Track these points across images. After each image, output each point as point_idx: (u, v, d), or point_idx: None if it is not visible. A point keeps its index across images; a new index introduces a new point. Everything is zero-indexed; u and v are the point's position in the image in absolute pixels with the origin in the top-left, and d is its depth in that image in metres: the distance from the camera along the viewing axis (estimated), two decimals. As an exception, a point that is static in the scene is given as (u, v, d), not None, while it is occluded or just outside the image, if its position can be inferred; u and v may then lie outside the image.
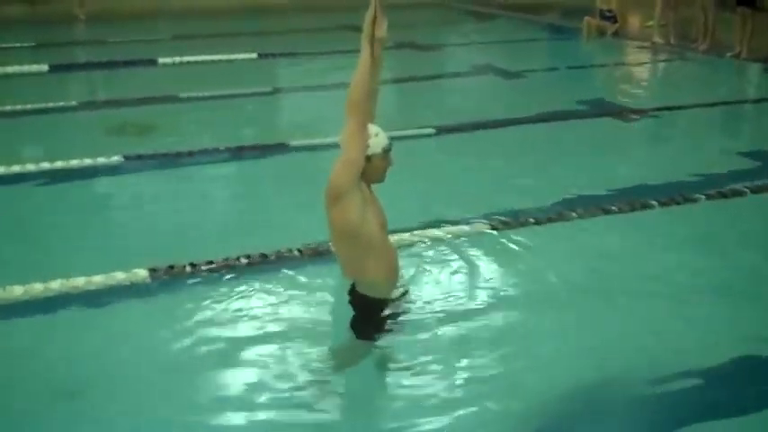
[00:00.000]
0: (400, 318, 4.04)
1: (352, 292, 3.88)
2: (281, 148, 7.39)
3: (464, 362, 3.93)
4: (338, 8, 16.36)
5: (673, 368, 3.91)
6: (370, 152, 3.63)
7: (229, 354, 4.00)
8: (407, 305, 4.15)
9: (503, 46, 13.97)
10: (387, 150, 3.70)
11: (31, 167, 6.67)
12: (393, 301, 3.92)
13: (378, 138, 3.67)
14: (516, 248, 5.24)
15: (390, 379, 3.84)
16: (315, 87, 9.95)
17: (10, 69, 10.61)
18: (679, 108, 9.23)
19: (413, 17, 16.85)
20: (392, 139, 3.76)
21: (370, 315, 3.87)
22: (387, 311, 3.92)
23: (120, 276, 4.66)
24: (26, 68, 10.76)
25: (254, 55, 11.99)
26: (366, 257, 3.72)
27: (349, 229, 3.62)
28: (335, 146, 6.63)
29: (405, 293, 4.15)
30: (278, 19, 16.51)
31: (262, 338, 4.13)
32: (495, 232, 5.43)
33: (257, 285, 4.67)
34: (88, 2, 15.59)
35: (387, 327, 3.94)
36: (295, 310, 4.41)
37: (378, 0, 3.68)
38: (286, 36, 14.26)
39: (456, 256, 5.08)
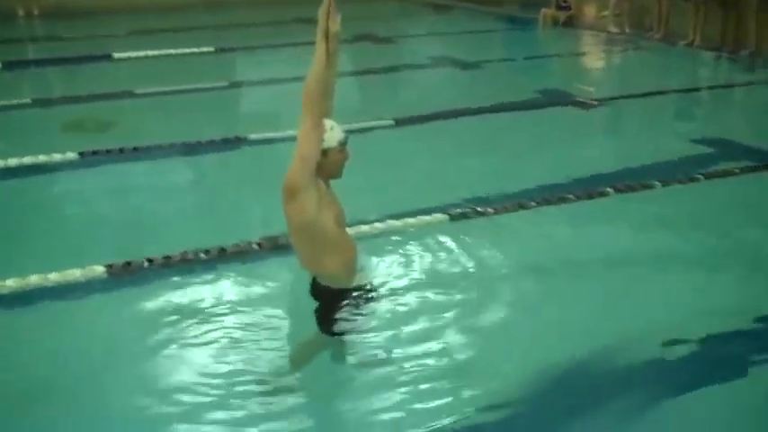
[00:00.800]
0: (363, 309, 4.05)
1: (314, 283, 3.89)
2: (240, 141, 7.36)
3: (428, 352, 3.95)
4: (294, 1, 16.31)
5: (646, 341, 4.01)
6: (325, 146, 3.61)
7: (190, 349, 3.99)
8: (371, 296, 4.16)
9: (461, 37, 14.01)
10: (343, 144, 3.69)
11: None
12: (354, 290, 3.92)
13: (333, 131, 3.65)
14: (476, 238, 5.27)
15: (354, 371, 3.86)
16: (272, 80, 9.90)
17: (-38, 67, 10.44)
18: (634, 96, 9.34)
19: (371, 9, 16.85)
20: (348, 132, 3.75)
21: (332, 306, 3.87)
22: (349, 302, 3.92)
23: (76, 273, 4.62)
24: (-22, 66, 10.59)
25: (212, 49, 11.90)
26: (323, 252, 3.72)
27: (305, 224, 3.62)
28: (293, 139, 6.64)
29: (367, 285, 4.15)
30: (234, 12, 16.39)
31: (222, 333, 4.12)
32: (454, 222, 5.46)
33: (217, 279, 4.65)
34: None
35: (350, 318, 3.94)
36: (255, 304, 4.41)
37: None
38: (243, 29, 14.18)
39: (416, 247, 5.11)
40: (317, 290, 3.86)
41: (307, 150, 3.52)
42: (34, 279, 4.55)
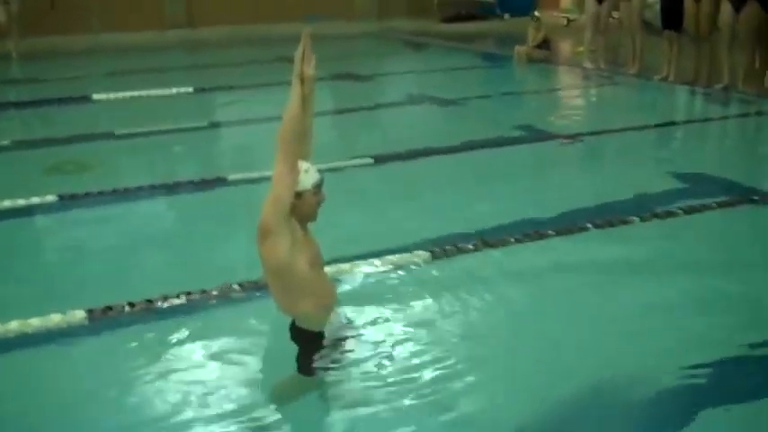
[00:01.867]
0: (343, 350, 4.05)
1: (292, 325, 3.89)
2: (220, 182, 7.36)
3: (410, 393, 3.94)
4: (273, 40, 16.45)
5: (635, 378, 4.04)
6: (300, 188, 3.61)
7: (171, 393, 3.97)
8: (350, 336, 4.15)
9: (438, 74, 14.13)
10: (317, 186, 3.70)
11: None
12: (332, 332, 3.92)
13: (308, 174, 3.65)
14: (456, 275, 5.29)
15: (334, 413, 3.84)
16: (253, 120, 9.93)
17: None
18: (611, 131, 9.44)
19: (350, 47, 17.01)
20: (323, 173, 3.76)
21: (310, 348, 3.87)
22: (328, 344, 3.92)
23: (56, 319, 4.59)
24: (-44, 108, 10.57)
25: (191, 89, 11.95)
26: (297, 294, 3.72)
27: (277, 266, 3.62)
28: (263, 179, 6.65)
29: (345, 326, 4.15)
30: (213, 52, 16.49)
31: (204, 376, 4.11)
32: (436, 260, 5.48)
33: (198, 323, 4.63)
34: (19, 40, 15.35)
35: (330, 359, 3.94)
36: (238, 346, 4.38)
37: (306, 38, 3.70)
38: (222, 69, 14.24)
39: (396, 286, 5.12)
40: (295, 331, 3.86)
41: (280, 192, 3.53)
42: (14, 325, 4.51)
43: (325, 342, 3.90)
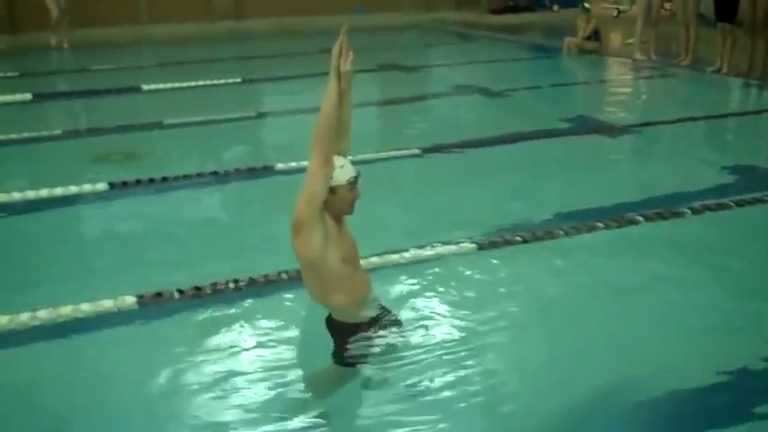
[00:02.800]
0: (382, 342, 4.01)
1: (328, 317, 3.88)
2: (267, 171, 7.39)
3: (449, 385, 3.91)
4: (318, 32, 16.45)
5: (664, 381, 3.94)
6: (334, 183, 3.57)
7: (217, 381, 3.99)
8: (389, 329, 4.10)
9: (486, 66, 14.05)
10: (352, 182, 3.66)
11: (16, 196, 6.64)
12: (369, 324, 3.88)
13: (343, 169, 3.62)
14: (504, 267, 5.25)
15: (369, 405, 3.82)
16: (298, 111, 9.92)
17: (-6, 99, 10.60)
18: (662, 123, 9.30)
19: (397, 39, 17.01)
20: (360, 170, 3.73)
21: (344, 339, 3.85)
22: (362, 335, 3.89)
23: (107, 304, 4.64)
24: (9, 98, 10.73)
25: (239, 80, 12.01)
26: (330, 288, 3.70)
27: (310, 260, 3.60)
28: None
29: (385, 317, 4.09)
30: (260, 44, 16.59)
31: (250, 364, 4.13)
32: (482, 251, 5.43)
33: (246, 310, 4.65)
34: (70, 30, 15.56)
35: (367, 351, 3.90)
36: (283, 335, 4.40)
37: (344, 34, 3.67)
38: (268, 60, 14.31)
39: (442, 277, 5.08)
40: (330, 323, 3.86)
41: (314, 187, 3.50)
42: (66, 310, 4.57)
43: (362, 334, 3.87)
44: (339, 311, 3.80)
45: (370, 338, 3.88)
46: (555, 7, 20.18)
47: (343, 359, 3.83)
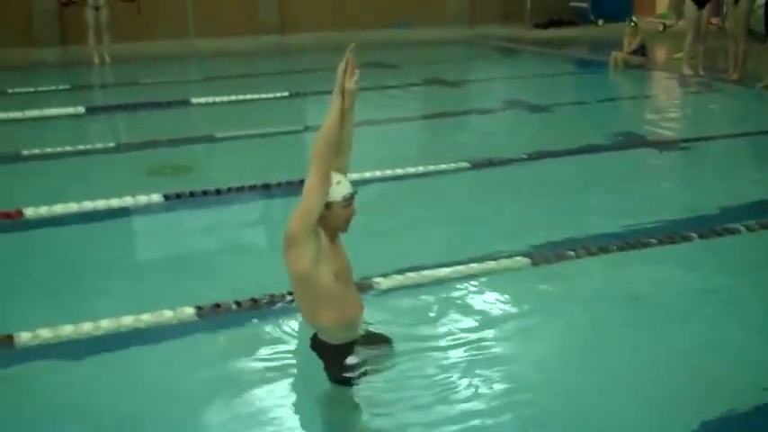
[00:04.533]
0: (374, 361, 3.97)
1: (314, 336, 3.88)
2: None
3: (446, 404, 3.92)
4: (364, 46, 16.52)
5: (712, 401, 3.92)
6: (330, 199, 3.61)
7: (270, 392, 4.06)
8: (378, 348, 4.04)
9: (531, 80, 14.05)
10: (348, 199, 3.68)
11: (73, 207, 6.77)
12: (351, 346, 3.85)
13: (339, 186, 3.65)
14: (556, 283, 5.27)
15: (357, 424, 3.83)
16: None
17: (47, 112, 10.81)
18: (710, 139, 9.23)
19: (440, 54, 17.06)
20: (356, 189, 3.75)
21: (329, 359, 3.85)
22: (353, 357, 3.85)
23: (167, 314, 4.74)
24: (63, 111, 10.96)
25: (286, 93, 12.14)
26: (319, 305, 3.70)
27: (301, 275, 3.63)
28: (364, 181, 6.81)
29: (371, 340, 4.01)
30: (305, 58, 16.72)
31: (305, 378, 4.16)
32: (536, 267, 5.45)
33: (302, 323, 4.70)
34: (113, 44, 15.76)
35: (353, 371, 3.87)
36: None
37: (351, 53, 3.69)
38: (315, 74, 14.37)
39: (496, 291, 5.12)
40: (315, 342, 3.87)
41: (310, 202, 3.54)
42: (127, 320, 4.68)
43: (352, 354, 3.85)
44: (325, 331, 3.79)
45: (363, 357, 3.86)
46: (599, 21, 20.11)
47: (337, 377, 3.84)
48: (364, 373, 3.87)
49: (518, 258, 5.52)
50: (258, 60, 16.47)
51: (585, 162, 8.32)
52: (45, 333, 4.54)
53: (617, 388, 4.07)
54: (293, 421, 3.86)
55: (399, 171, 7.65)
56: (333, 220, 3.67)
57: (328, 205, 3.62)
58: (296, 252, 3.57)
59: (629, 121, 10.71)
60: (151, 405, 3.99)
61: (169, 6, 17.52)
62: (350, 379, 3.83)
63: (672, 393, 4.00)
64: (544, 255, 5.60)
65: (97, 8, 15.40)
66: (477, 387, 4.04)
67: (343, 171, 3.77)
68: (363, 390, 3.87)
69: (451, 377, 4.12)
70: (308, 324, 3.86)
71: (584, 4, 20.51)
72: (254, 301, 4.88)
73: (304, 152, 9.35)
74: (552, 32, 19.57)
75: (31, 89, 12.84)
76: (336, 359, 3.82)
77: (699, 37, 13.42)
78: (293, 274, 3.68)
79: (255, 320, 4.75)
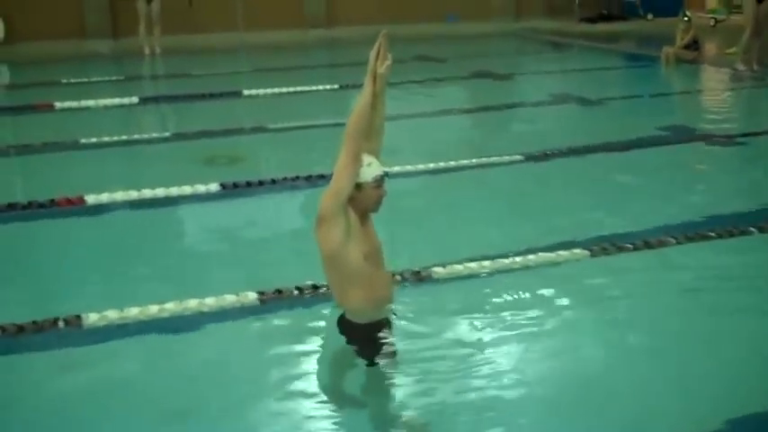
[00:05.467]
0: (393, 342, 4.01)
1: (341, 317, 3.93)
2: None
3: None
4: (410, 40, 16.61)
5: None
6: (360, 180, 3.66)
7: (336, 377, 4.13)
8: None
9: (580, 74, 13.95)
10: (378, 180, 3.73)
11: (133, 195, 6.88)
12: (379, 326, 3.90)
13: (370, 167, 3.70)
14: (612, 275, 5.25)
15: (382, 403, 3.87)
16: (394, 117, 9.97)
17: (102, 102, 10.97)
18: (764, 134, 9.10)
19: (487, 47, 17.00)
20: (387, 171, 3.79)
21: (354, 339, 3.89)
22: (377, 336, 3.91)
23: (230, 299, 4.81)
24: (117, 101, 11.13)
25: (336, 86, 12.20)
26: (348, 284, 3.76)
27: (330, 254, 3.70)
28: (415, 173, 6.78)
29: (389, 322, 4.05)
30: (352, 51, 16.74)
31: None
32: (594, 258, 5.44)
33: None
34: (163, 36, 15.93)
35: (380, 350, 3.92)
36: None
37: (383, 38, 3.74)
38: (363, 67, 14.37)
39: (550, 283, 5.11)
40: (342, 323, 3.92)
41: (340, 183, 3.62)
42: (192, 303, 4.77)
43: (370, 335, 3.90)
44: (352, 310, 3.85)
45: (381, 339, 3.91)
46: (649, 16, 19.90)
47: (368, 358, 3.89)
48: (393, 354, 3.92)
49: (576, 251, 5.50)
50: (306, 53, 16.56)
51: (638, 156, 8.26)
52: (112, 314, 4.64)
53: (689, 381, 4.05)
54: (356, 405, 3.90)
55: (452, 163, 7.68)
56: (364, 201, 3.74)
57: (359, 186, 3.68)
58: (325, 229, 3.66)
59: (681, 116, 10.60)
60: (212, 387, 4.05)
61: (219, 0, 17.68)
62: (375, 358, 3.88)
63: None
64: (603, 247, 5.57)
65: (149, 0, 15.59)
66: (531, 376, 4.08)
67: (376, 153, 3.83)
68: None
69: (504, 366, 4.17)
70: (339, 305, 3.92)
71: (634, -1, 20.34)
72: (315, 287, 4.92)
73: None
74: (601, 27, 19.40)
75: (85, 79, 13.07)
76: (362, 338, 3.88)
77: (757, 32, 13.20)
78: (323, 252, 3.75)
79: (318, 306, 4.79)
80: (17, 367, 4.32)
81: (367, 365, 3.93)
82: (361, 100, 3.70)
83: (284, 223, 6.46)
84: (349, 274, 3.74)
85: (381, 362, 3.91)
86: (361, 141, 3.65)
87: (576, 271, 5.30)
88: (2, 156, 8.67)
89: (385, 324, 3.95)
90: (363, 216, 3.81)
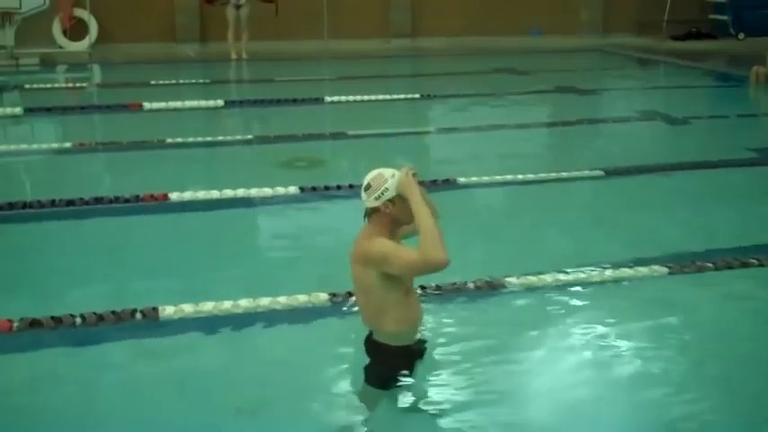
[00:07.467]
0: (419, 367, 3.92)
1: (369, 336, 3.83)
2: (449, 184, 7.48)
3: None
4: (492, 53, 16.61)
5: None
6: (390, 195, 3.60)
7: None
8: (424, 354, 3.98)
9: (667, 92, 13.72)
10: None
11: (214, 194, 7.03)
12: (410, 349, 3.82)
13: (395, 179, 3.63)
14: (691, 292, 5.17)
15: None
16: (474, 128, 10.08)
17: (188, 104, 11.23)
18: None
19: (573, 62, 16.84)
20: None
21: (383, 361, 3.79)
22: (405, 360, 3.82)
23: (302, 299, 4.88)
24: (204, 103, 11.38)
25: (417, 95, 12.23)
26: (386, 307, 3.66)
27: (368, 288, 3.65)
28: (499, 183, 6.65)
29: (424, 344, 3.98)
30: (435, 61, 16.83)
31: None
32: (673, 275, 5.35)
33: (434, 314, 4.75)
34: (250, 42, 16.21)
35: (406, 376, 3.82)
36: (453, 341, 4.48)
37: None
38: (444, 78, 14.47)
39: (625, 298, 5.06)
40: (370, 343, 3.82)
41: (403, 269, 3.54)
42: (265, 301, 4.85)
43: (401, 358, 3.80)
44: (385, 334, 3.74)
45: (408, 363, 3.82)
46: (741, 35, 19.41)
47: (377, 380, 3.80)
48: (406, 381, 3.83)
49: (655, 267, 5.41)
50: (389, 62, 16.66)
51: (724, 175, 8.07)
52: (188, 308, 4.75)
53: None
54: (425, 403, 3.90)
55: (531, 176, 7.62)
56: (400, 215, 3.66)
57: (392, 201, 3.62)
58: (371, 268, 3.60)
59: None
60: (281, 384, 4.12)
61: (306, 9, 17.89)
62: (388, 384, 3.79)
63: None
64: (683, 264, 5.46)
65: (239, 6, 15.90)
66: (604, 388, 4.06)
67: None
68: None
69: (583, 376, 4.13)
70: (367, 325, 3.82)
71: (725, 17, 19.83)
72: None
73: (437, 153, 9.53)
74: (689, 45, 19.01)
75: (173, 81, 13.40)
76: (389, 361, 3.77)
77: None
78: (360, 282, 3.70)
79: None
80: (96, 354, 4.45)
81: (373, 386, 3.82)
82: (430, 217, 3.53)
83: (359, 228, 6.47)
84: (385, 301, 3.67)
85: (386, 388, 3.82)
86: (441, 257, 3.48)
87: (653, 287, 5.21)
88: (93, 151, 8.96)
89: (417, 352, 3.88)
90: (395, 230, 3.73)
